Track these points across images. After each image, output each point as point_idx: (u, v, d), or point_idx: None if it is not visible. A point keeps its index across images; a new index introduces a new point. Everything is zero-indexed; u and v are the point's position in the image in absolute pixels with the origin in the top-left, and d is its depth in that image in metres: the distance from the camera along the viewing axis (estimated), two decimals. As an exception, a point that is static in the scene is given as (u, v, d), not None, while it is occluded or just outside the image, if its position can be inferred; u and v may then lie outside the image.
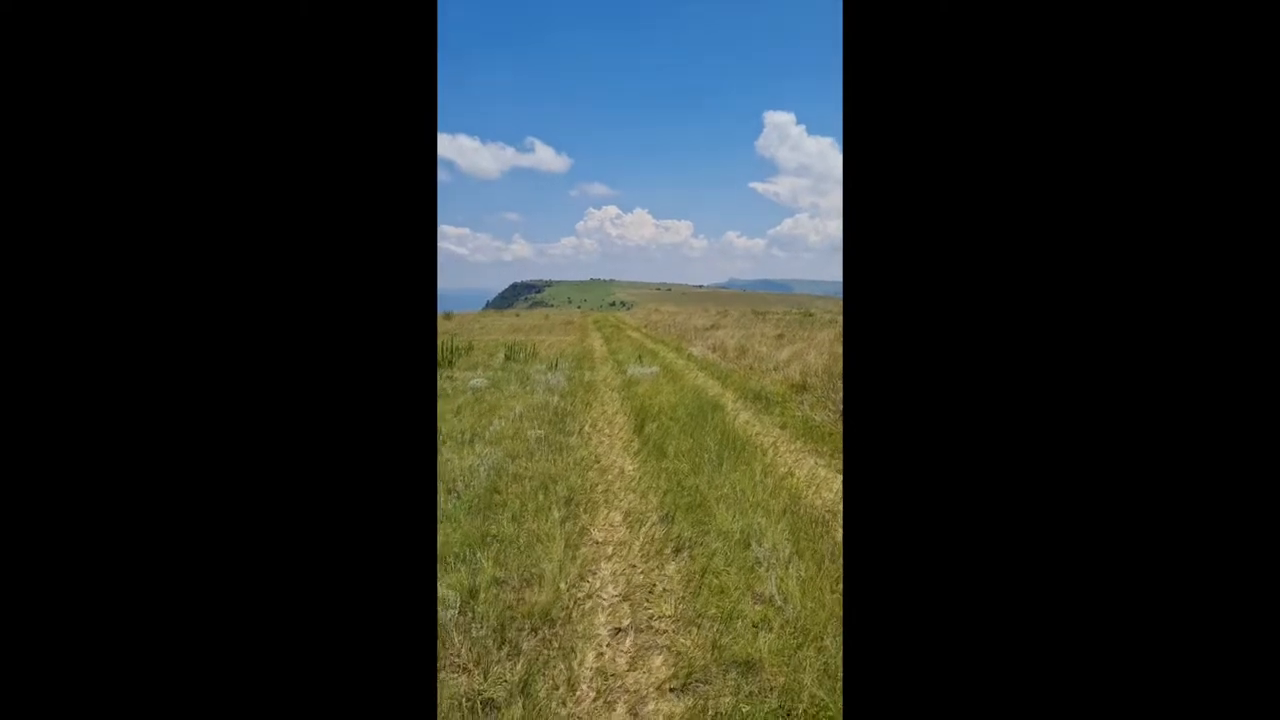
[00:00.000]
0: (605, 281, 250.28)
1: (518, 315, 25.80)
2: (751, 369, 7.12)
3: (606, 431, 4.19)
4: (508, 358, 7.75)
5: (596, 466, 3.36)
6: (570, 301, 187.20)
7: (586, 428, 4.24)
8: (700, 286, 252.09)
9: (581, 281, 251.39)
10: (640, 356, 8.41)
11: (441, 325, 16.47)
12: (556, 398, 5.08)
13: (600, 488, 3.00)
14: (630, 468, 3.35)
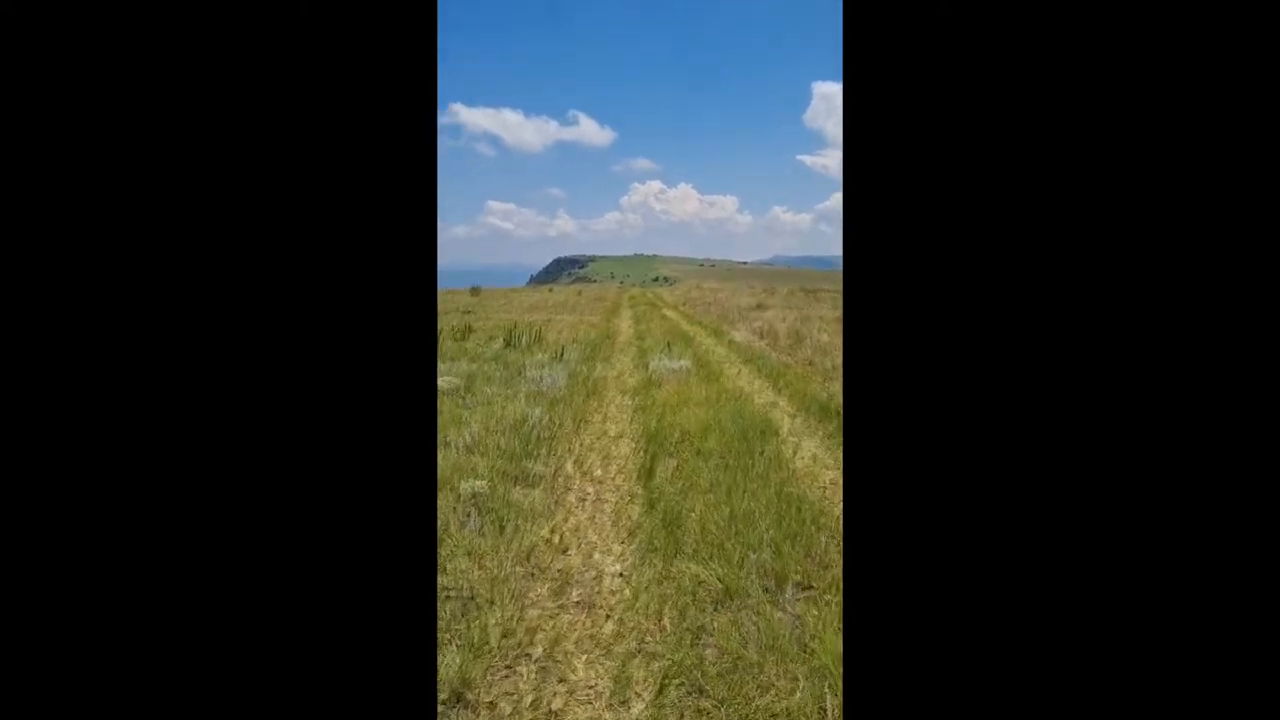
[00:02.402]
0: (648, 257, 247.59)
1: (550, 291, 24.35)
2: (811, 365, 5.50)
3: (596, 475, 2.71)
4: (506, 344, 6.34)
5: (552, 572, 1.87)
6: (613, 277, 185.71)
7: (567, 468, 2.77)
8: (745, 263, 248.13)
9: (625, 256, 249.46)
10: (670, 344, 6.85)
11: (464, 301, 15.32)
12: (540, 409, 3.62)
13: (539, 648, 1.51)
14: (614, 574, 1.85)
